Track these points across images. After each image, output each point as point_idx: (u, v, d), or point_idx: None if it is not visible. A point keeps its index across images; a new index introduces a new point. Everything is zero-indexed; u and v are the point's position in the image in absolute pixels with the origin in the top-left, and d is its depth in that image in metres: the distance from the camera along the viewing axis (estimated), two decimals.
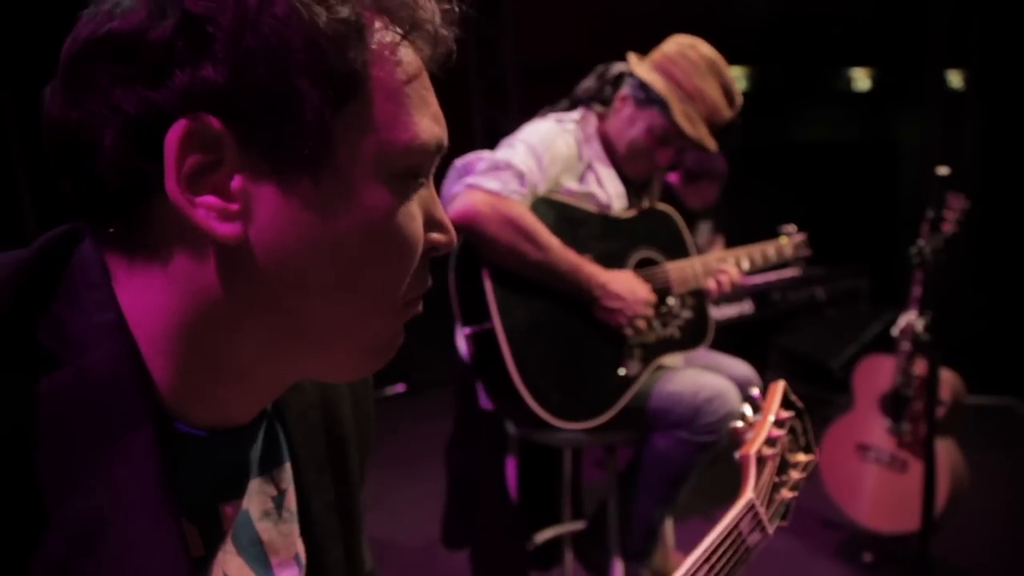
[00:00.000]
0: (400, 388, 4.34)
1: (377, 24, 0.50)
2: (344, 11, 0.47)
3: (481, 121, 4.47)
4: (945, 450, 2.33)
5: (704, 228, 3.08)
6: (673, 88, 1.81)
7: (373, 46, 0.49)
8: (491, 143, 1.85)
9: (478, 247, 1.72)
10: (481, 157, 1.76)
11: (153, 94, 0.45)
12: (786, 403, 0.80)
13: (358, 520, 0.70)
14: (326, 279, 0.51)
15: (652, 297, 1.81)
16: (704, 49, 1.84)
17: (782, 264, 2.18)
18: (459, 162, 1.80)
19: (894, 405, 2.44)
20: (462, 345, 1.88)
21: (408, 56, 0.51)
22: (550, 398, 1.73)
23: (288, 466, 0.64)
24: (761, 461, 0.74)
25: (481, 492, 2.09)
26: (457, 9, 0.54)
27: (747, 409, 0.80)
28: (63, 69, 0.48)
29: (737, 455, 0.75)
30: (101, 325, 0.50)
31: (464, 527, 2.15)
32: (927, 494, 1.99)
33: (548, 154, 1.79)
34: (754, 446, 0.74)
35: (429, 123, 0.52)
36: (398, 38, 0.50)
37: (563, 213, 1.82)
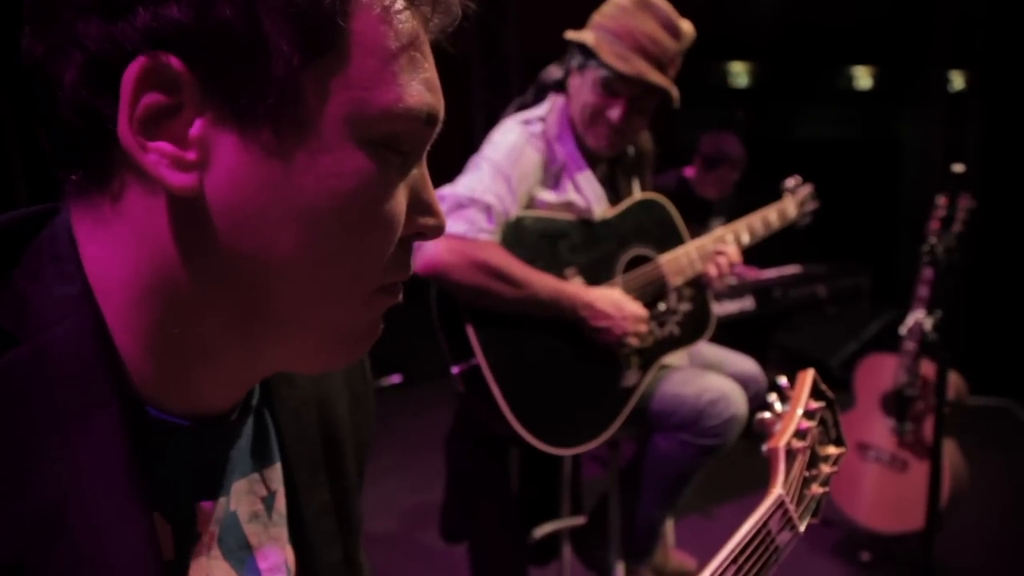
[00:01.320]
0: (396, 379, 4.31)
1: None
2: None
3: (482, 112, 4.44)
4: (947, 451, 2.32)
5: (716, 227, 3.06)
6: (601, 35, 1.70)
7: None
8: (464, 135, 1.79)
9: (452, 292, 1.65)
10: (443, 196, 1.66)
11: (114, 29, 0.43)
12: (816, 393, 0.78)
13: (356, 522, 0.67)
14: (286, 247, 0.46)
15: (643, 312, 1.73)
16: None
17: (790, 225, 2.04)
18: None
19: (896, 404, 2.42)
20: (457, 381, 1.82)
21: (402, 14, 0.47)
22: (546, 429, 1.68)
23: (279, 466, 0.61)
24: (791, 455, 0.71)
25: (480, 486, 2.07)
26: None
27: (774, 399, 0.77)
28: (26, 6, 0.46)
29: (764, 448, 0.72)
30: (64, 298, 0.46)
31: (463, 520, 2.12)
32: (932, 494, 1.98)
33: (516, 170, 1.70)
34: (783, 439, 0.71)
35: (418, 87, 0.48)
36: None
37: (540, 230, 1.74)
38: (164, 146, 0.44)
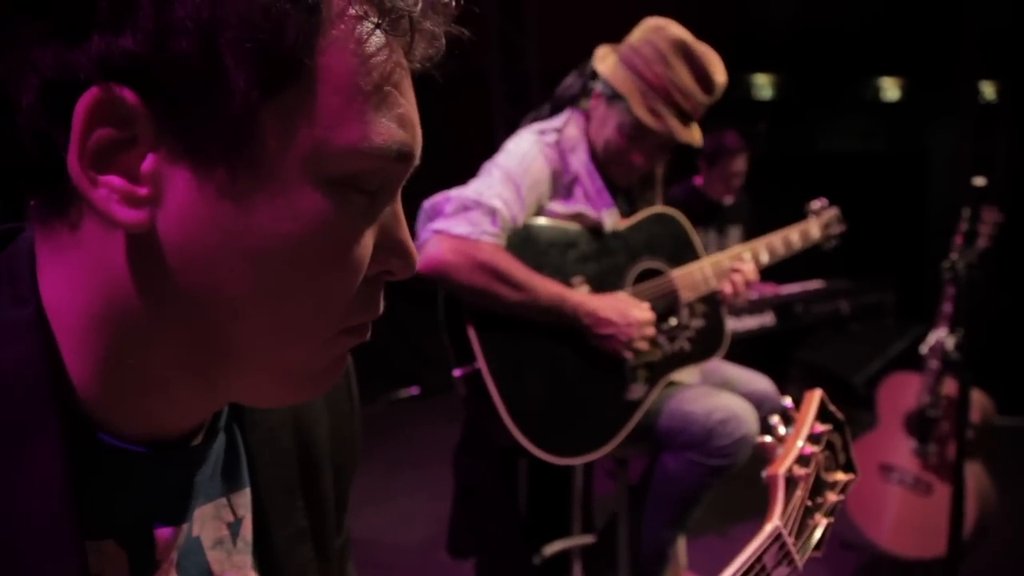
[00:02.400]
0: (414, 391, 4.30)
1: (339, 3, 0.44)
2: None
3: (503, 125, 4.44)
4: (973, 474, 2.24)
5: (735, 234, 3.00)
6: (634, 80, 1.67)
7: (329, 28, 0.43)
8: (484, 146, 1.78)
9: (454, 293, 1.63)
10: (449, 197, 1.65)
11: (69, 55, 0.41)
12: (823, 415, 0.73)
13: (336, 549, 0.64)
14: (240, 287, 0.45)
15: (648, 316, 1.69)
16: (671, 31, 1.68)
17: (813, 246, 1.98)
18: (427, 204, 1.69)
19: (920, 425, 2.35)
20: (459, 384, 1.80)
21: (375, 46, 0.45)
22: (546, 437, 1.65)
23: (247, 491, 0.58)
24: (791, 482, 0.67)
25: (488, 501, 2.04)
26: (455, 2, 0.48)
27: (777, 422, 0.72)
28: None
29: (764, 475, 0.68)
30: (15, 323, 0.45)
31: (470, 536, 2.09)
32: (955, 520, 1.90)
33: (527, 178, 1.68)
34: (783, 465, 0.67)
35: (389, 125, 0.45)
36: (367, 24, 0.44)
37: (549, 238, 1.72)
38: (115, 180, 0.43)
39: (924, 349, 2.29)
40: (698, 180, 3.21)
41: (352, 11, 0.44)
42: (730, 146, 3.11)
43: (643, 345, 1.69)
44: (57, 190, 0.45)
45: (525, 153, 1.72)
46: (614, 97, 1.71)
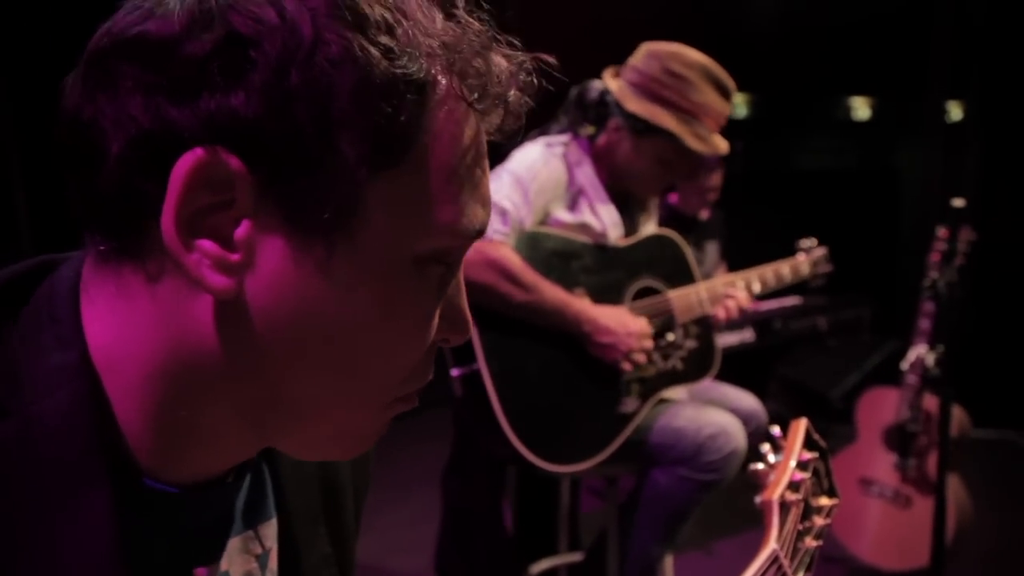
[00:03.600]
0: None
1: (445, 84, 0.44)
2: (411, 66, 0.42)
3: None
4: (950, 487, 2.28)
5: (712, 249, 3.05)
6: (674, 114, 1.73)
7: (435, 110, 0.43)
8: (493, 154, 1.79)
9: None
10: None
11: (173, 111, 0.40)
12: (809, 443, 0.76)
13: (352, 573, 0.65)
14: (319, 357, 0.45)
15: (647, 329, 1.74)
16: (691, 57, 1.74)
17: (802, 282, 2.09)
18: None
19: (899, 439, 2.39)
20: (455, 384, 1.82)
21: (471, 127, 0.45)
22: (540, 442, 1.67)
23: (274, 521, 0.58)
24: (784, 507, 0.69)
25: (476, 522, 2.04)
26: (536, 81, 0.49)
27: (767, 450, 0.75)
28: (86, 60, 0.43)
29: (758, 501, 0.71)
30: (60, 367, 0.44)
31: (458, 557, 2.09)
32: (937, 532, 1.94)
33: (535, 183, 1.73)
34: (776, 491, 0.70)
35: (475, 207, 0.46)
36: (464, 107, 0.45)
37: (554, 247, 1.76)
38: (208, 245, 0.42)
39: (905, 365, 2.34)
40: (672, 197, 3.25)
41: (454, 93, 0.44)
42: (707, 162, 3.15)
43: (640, 357, 1.73)
44: (135, 241, 0.43)
45: (534, 161, 1.76)
46: (648, 131, 1.75)
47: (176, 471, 0.48)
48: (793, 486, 0.71)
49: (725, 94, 1.77)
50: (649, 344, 1.74)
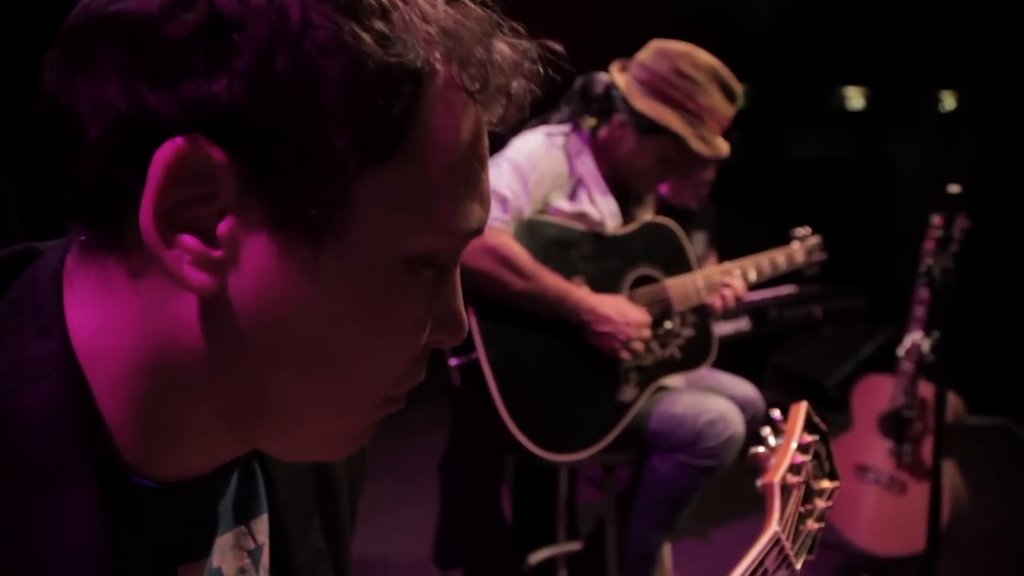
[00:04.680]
0: None
1: (443, 74, 0.41)
2: (406, 54, 0.39)
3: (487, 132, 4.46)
4: (945, 473, 2.30)
5: (699, 239, 3.05)
6: (680, 115, 1.73)
7: (432, 101, 0.41)
8: (492, 144, 1.80)
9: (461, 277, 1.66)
10: None
11: (152, 96, 0.38)
12: (810, 426, 0.76)
13: (348, 567, 0.64)
14: (304, 359, 0.43)
15: (646, 318, 1.74)
16: (701, 58, 1.74)
17: (795, 271, 2.10)
18: None
19: (895, 426, 2.41)
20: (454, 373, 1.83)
21: (471, 118, 0.43)
22: (539, 430, 1.67)
23: (265, 517, 0.57)
24: (786, 490, 0.70)
25: (474, 512, 2.05)
26: (542, 71, 0.46)
27: (768, 433, 0.75)
28: (62, 39, 0.41)
29: (759, 484, 0.71)
30: (40, 357, 0.42)
31: (457, 547, 2.10)
32: (932, 517, 1.96)
33: (535, 173, 1.73)
34: (778, 474, 0.70)
35: (472, 206, 0.44)
36: (464, 97, 0.42)
37: (553, 235, 1.76)
38: (189, 240, 0.40)
39: (900, 352, 2.36)
40: (663, 188, 3.25)
41: (453, 83, 0.42)
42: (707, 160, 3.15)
43: (639, 346, 1.74)
44: (116, 232, 0.41)
45: (533, 150, 1.76)
46: (653, 130, 1.75)
47: (161, 468, 0.47)
48: (794, 469, 0.72)
49: (731, 97, 1.77)
50: (647, 333, 1.75)
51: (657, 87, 1.74)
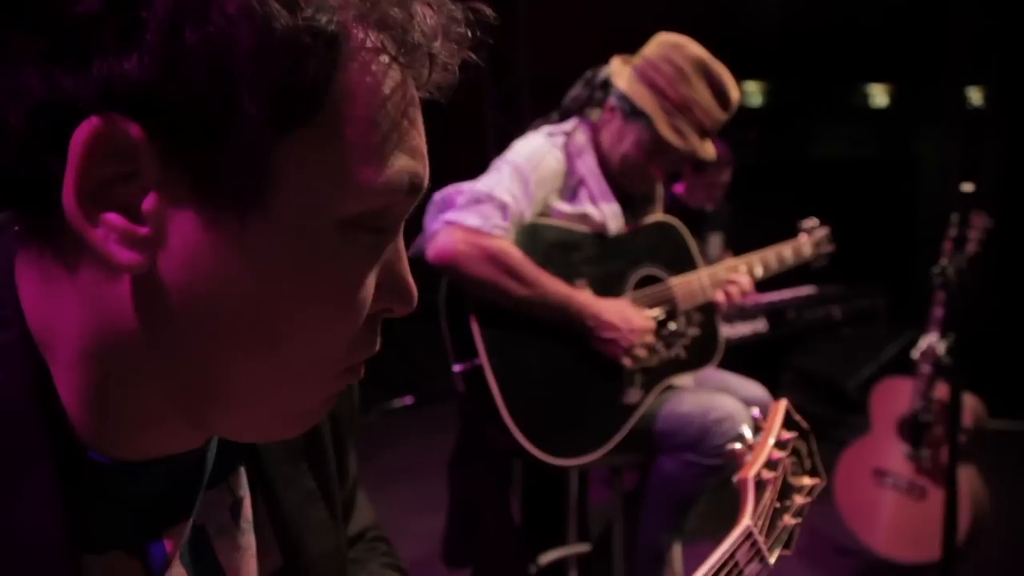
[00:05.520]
0: (408, 400, 4.31)
1: (358, 36, 0.41)
2: (320, 17, 0.39)
3: (494, 134, 4.48)
4: (966, 478, 2.25)
5: (715, 240, 3.02)
6: (657, 100, 1.70)
7: (347, 62, 0.41)
8: (497, 147, 1.80)
9: (461, 285, 1.65)
10: (460, 190, 1.68)
11: (67, 79, 0.38)
12: (789, 423, 0.75)
13: (339, 505, 0.64)
14: (243, 331, 0.43)
15: (650, 324, 1.72)
16: (691, 50, 1.72)
17: (804, 264, 2.05)
18: (438, 195, 1.71)
19: (913, 430, 2.36)
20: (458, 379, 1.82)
21: (392, 79, 0.43)
22: (543, 435, 1.66)
23: (243, 470, 0.58)
24: (760, 485, 0.69)
25: (482, 512, 2.04)
26: (470, 33, 0.46)
27: (747, 430, 0.74)
28: None
29: (735, 479, 0.70)
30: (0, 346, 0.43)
31: (465, 546, 2.09)
32: (948, 525, 1.91)
33: (535, 175, 1.71)
34: (752, 469, 0.69)
35: (403, 159, 0.44)
36: (383, 57, 0.42)
37: (554, 238, 1.74)
38: (114, 219, 0.40)
39: (916, 354, 2.31)
40: (678, 188, 3.23)
41: (370, 44, 0.42)
42: (719, 157, 3.13)
43: (642, 352, 1.72)
44: (45, 219, 0.42)
45: (535, 151, 1.75)
46: (633, 114, 1.73)
47: (122, 450, 0.47)
48: (770, 465, 0.70)
49: (721, 98, 1.73)
50: (651, 340, 1.72)
51: (646, 73, 1.73)
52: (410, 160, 0.45)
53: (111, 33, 0.37)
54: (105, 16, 0.38)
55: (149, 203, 0.40)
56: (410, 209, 0.47)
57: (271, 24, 0.38)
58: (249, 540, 0.58)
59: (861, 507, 2.44)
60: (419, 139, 0.46)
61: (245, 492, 0.58)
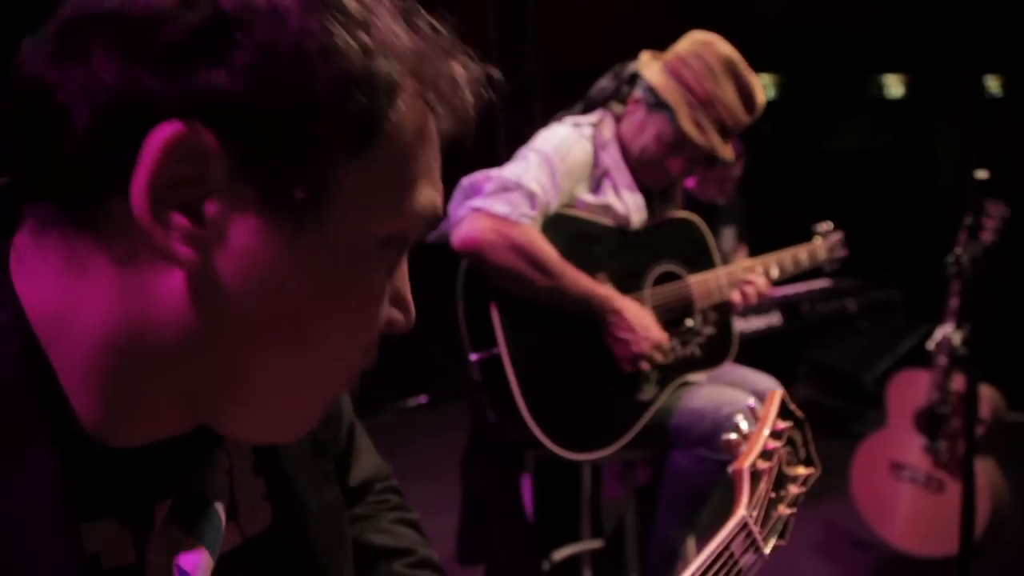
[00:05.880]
0: (422, 399, 4.32)
1: (409, 84, 0.47)
2: (385, 65, 0.45)
3: (505, 131, 4.48)
4: (984, 470, 2.22)
5: (728, 234, 3.00)
6: (682, 93, 1.71)
7: (400, 103, 0.46)
8: (514, 153, 1.80)
9: (485, 273, 1.65)
10: (489, 177, 1.68)
11: (152, 81, 0.40)
12: (784, 413, 0.75)
13: (330, 458, 0.67)
14: (279, 332, 0.47)
15: (664, 338, 1.72)
16: (721, 48, 1.72)
17: (817, 267, 2.07)
18: (466, 181, 1.72)
19: (930, 422, 2.33)
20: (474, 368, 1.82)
21: (430, 121, 0.49)
22: (559, 428, 1.66)
23: None
24: (755, 475, 0.69)
25: (496, 508, 2.05)
26: (488, 96, 0.52)
27: (743, 421, 0.74)
28: (57, 29, 0.43)
29: (729, 470, 0.70)
30: None
31: (478, 544, 2.10)
32: (966, 518, 1.89)
33: (563, 165, 1.71)
34: (747, 460, 0.69)
35: (430, 191, 0.50)
36: (424, 104, 0.48)
37: (577, 230, 1.75)
38: (178, 218, 0.42)
39: (931, 345, 2.28)
40: (689, 182, 3.21)
41: (417, 91, 0.48)
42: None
43: (645, 365, 1.72)
44: (95, 211, 0.43)
45: (562, 141, 1.75)
46: (657, 105, 1.73)
47: (114, 437, 0.48)
48: (765, 455, 0.70)
49: (746, 99, 1.73)
50: (659, 358, 1.73)
51: (674, 67, 1.74)
52: (435, 192, 0.51)
53: (207, 46, 0.41)
54: (201, 33, 0.41)
55: (212, 208, 0.43)
56: (424, 235, 0.53)
57: (351, 63, 0.44)
58: (258, 481, 0.60)
59: (878, 501, 2.42)
60: (439, 177, 0.52)
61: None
